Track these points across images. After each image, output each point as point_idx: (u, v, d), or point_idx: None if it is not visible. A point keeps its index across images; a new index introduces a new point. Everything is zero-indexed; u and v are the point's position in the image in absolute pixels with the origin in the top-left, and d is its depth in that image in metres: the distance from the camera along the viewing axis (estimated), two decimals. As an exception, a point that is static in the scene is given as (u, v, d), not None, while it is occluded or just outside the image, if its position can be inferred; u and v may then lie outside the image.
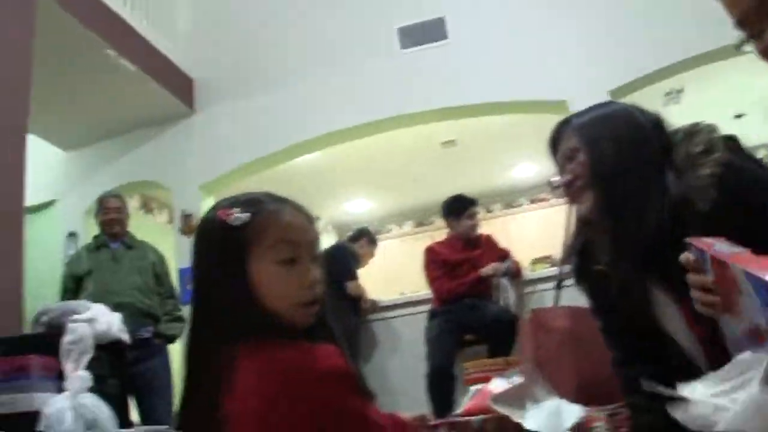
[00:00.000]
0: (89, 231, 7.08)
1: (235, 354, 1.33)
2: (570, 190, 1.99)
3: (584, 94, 4.60)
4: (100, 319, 3.52)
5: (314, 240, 1.48)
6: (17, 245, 4.27)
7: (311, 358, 1.32)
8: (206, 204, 6.74)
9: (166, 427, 1.42)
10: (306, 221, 1.49)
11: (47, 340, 3.37)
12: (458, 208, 5.60)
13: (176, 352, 4.96)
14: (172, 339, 4.91)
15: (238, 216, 1.41)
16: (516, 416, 2.38)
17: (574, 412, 2.32)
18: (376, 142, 7.33)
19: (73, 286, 4.69)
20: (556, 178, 2.02)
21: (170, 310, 4.97)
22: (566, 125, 2.04)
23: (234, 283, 1.39)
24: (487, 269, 5.38)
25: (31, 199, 4.76)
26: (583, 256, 2.09)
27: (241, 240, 1.40)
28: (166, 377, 4.74)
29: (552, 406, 2.38)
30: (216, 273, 1.41)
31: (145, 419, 4.48)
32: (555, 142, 2.06)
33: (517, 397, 2.45)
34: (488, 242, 5.71)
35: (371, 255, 6.44)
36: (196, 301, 1.45)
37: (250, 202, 1.45)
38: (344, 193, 9.93)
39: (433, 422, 1.90)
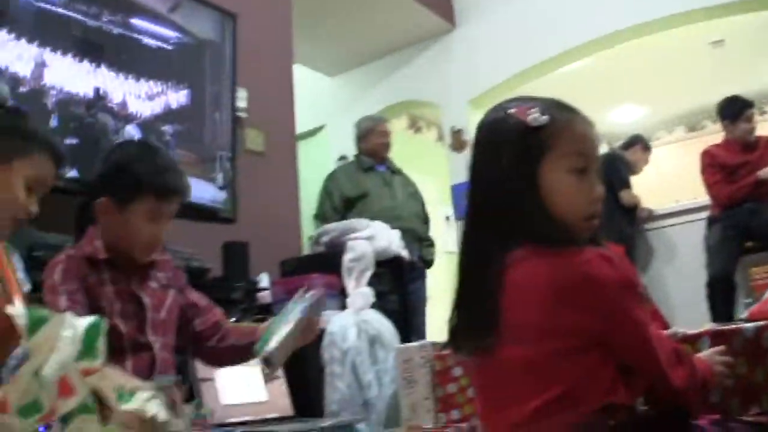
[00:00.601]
0: (359, 153, 7.35)
1: (514, 259, 1.31)
2: None
3: None
4: (380, 236, 3.60)
5: (598, 153, 1.40)
6: (292, 171, 4.51)
7: (597, 267, 1.26)
8: (475, 118, 6.66)
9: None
10: (595, 133, 1.39)
11: (328, 258, 3.53)
12: (734, 110, 5.18)
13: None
14: (430, 264, 4.98)
15: (537, 117, 1.33)
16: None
17: None
18: (641, 45, 6.89)
19: (343, 207, 4.79)
20: None
21: (428, 236, 5.04)
22: None
23: (525, 186, 1.32)
24: (766, 171, 4.96)
25: (301, 126, 4.97)
26: None
27: (537, 143, 1.32)
28: (425, 301, 4.83)
29: None
30: (506, 175, 1.34)
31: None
32: None
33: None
34: (767, 145, 5.25)
35: (645, 162, 6.12)
36: (476, 203, 1.41)
37: (546, 105, 1.36)
38: (610, 101, 9.48)
39: (693, 332, 1.73)
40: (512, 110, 1.36)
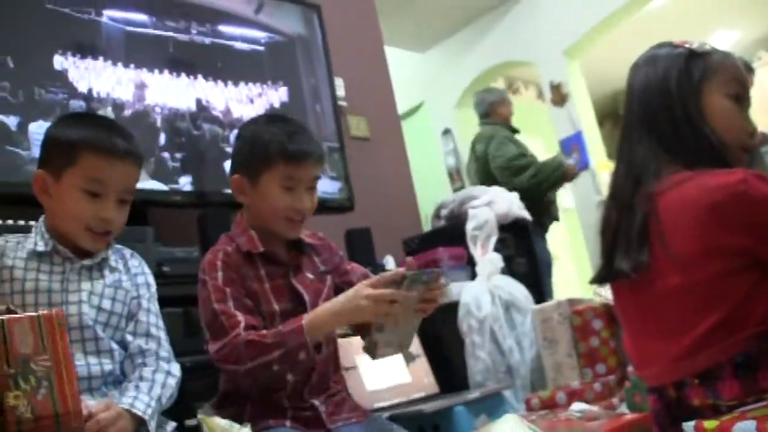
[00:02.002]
0: (462, 125, 7.30)
1: (669, 185, 1.38)
2: None
3: None
4: (500, 201, 3.55)
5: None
6: (401, 151, 4.52)
7: (754, 185, 1.30)
8: (572, 69, 6.55)
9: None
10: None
11: (451, 230, 3.50)
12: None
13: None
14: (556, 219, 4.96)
15: (703, 44, 1.47)
16: None
17: None
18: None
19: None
20: None
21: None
22: None
23: (691, 108, 1.43)
24: None
25: (401, 106, 4.96)
26: None
27: (701, 68, 1.45)
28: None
29: None
30: (672, 99, 1.44)
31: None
32: None
33: None
34: None
35: (750, 84, 5.83)
36: (634, 132, 1.49)
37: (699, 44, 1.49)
38: (702, 31, 9.08)
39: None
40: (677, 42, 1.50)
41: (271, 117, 2.04)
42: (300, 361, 1.59)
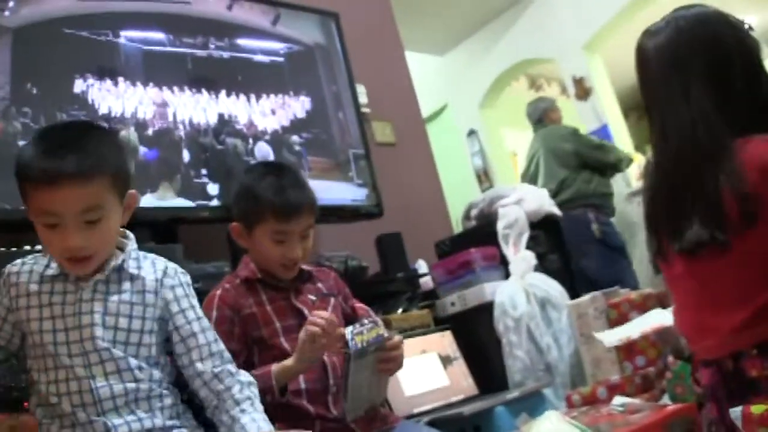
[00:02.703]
0: (486, 126, 7.28)
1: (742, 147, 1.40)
2: None
3: None
4: (529, 198, 3.52)
5: None
6: (427, 154, 4.51)
7: None
8: (593, 63, 6.51)
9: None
10: None
11: (482, 231, 3.48)
12: None
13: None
14: None
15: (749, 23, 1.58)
16: None
17: None
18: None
19: None
20: None
21: None
22: None
23: (756, 78, 1.50)
24: None
25: (425, 109, 4.95)
26: None
27: (755, 43, 1.54)
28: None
29: None
30: (736, 70, 1.50)
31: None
32: None
33: None
34: None
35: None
36: (705, 104, 1.49)
37: None
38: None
39: None
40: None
41: (267, 167, 2.05)
42: (266, 403, 1.61)
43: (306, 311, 1.87)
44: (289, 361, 1.73)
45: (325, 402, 1.81)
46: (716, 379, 1.43)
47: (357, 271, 3.02)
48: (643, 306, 2.69)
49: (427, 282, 3.37)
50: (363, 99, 3.92)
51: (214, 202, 2.83)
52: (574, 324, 2.92)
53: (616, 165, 5.05)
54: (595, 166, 4.95)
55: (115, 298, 1.48)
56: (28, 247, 2.15)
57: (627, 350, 2.69)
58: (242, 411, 1.48)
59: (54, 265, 1.47)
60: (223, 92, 2.99)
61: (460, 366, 2.90)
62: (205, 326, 1.58)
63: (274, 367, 1.73)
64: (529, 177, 5.21)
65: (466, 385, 2.86)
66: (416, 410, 2.58)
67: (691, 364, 1.66)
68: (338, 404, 1.81)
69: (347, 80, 3.54)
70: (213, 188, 2.84)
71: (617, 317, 2.74)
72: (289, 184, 1.89)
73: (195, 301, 1.61)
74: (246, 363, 1.76)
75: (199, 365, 1.53)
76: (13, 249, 2.12)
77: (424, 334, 2.91)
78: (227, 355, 1.57)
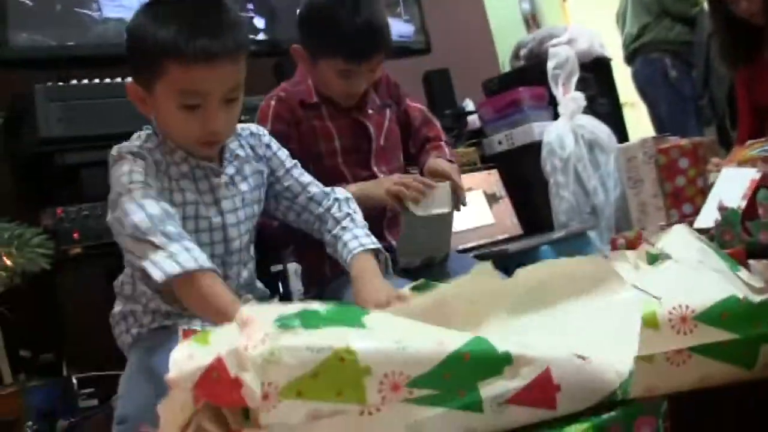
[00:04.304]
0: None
1: None
2: None
3: None
4: (580, 38, 3.41)
5: None
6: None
7: None
8: None
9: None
10: None
11: (531, 70, 3.40)
12: None
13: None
14: None
15: None
16: None
17: None
18: None
19: None
20: None
21: None
22: None
23: None
24: None
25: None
26: None
27: None
28: None
29: None
30: None
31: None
32: None
33: None
34: None
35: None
36: None
37: None
38: None
39: None
40: None
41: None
42: None
43: (370, 127, 1.84)
44: (353, 188, 1.70)
45: (381, 230, 1.80)
46: None
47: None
48: (694, 153, 2.65)
49: (474, 120, 3.34)
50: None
51: (261, 36, 2.77)
52: (622, 168, 2.89)
53: (695, 19, 4.86)
54: (675, 15, 4.77)
55: (243, 185, 1.48)
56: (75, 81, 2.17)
57: (674, 197, 2.68)
58: (343, 228, 1.50)
59: (179, 158, 1.39)
60: None
61: (506, 205, 2.92)
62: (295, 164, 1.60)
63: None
64: (620, 16, 5.07)
65: (510, 224, 2.89)
66: (461, 246, 2.59)
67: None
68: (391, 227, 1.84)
69: None
70: (259, 22, 2.78)
71: (666, 163, 2.71)
72: (363, 27, 1.69)
73: (282, 153, 1.60)
74: None
75: (301, 193, 1.56)
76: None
77: (470, 171, 2.90)
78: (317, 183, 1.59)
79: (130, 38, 1.34)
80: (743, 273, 1.04)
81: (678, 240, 1.11)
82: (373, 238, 1.48)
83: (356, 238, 1.47)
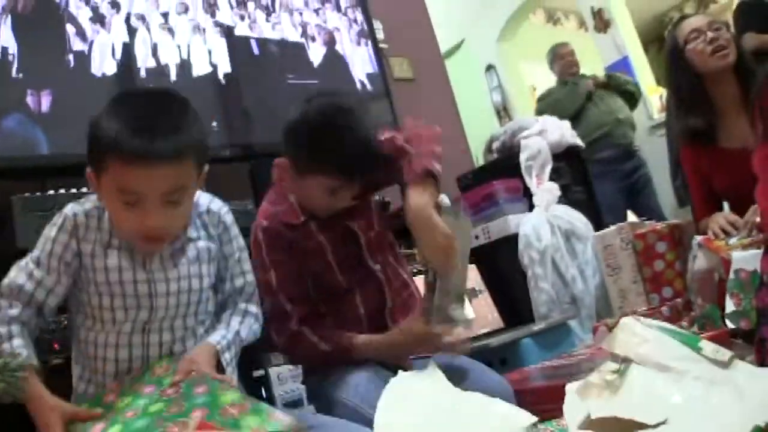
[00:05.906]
0: (505, 61, 7.18)
1: None
2: None
3: None
4: (551, 129, 3.47)
5: None
6: (446, 90, 4.47)
7: None
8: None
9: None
10: None
11: (504, 163, 3.44)
12: None
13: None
14: None
15: None
16: None
17: None
18: None
19: None
20: None
21: None
22: None
23: None
24: None
25: (443, 45, 4.88)
26: None
27: None
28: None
29: None
30: None
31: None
32: None
33: None
34: None
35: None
36: None
37: None
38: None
39: None
40: None
41: (331, 114, 1.68)
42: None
43: (355, 226, 1.82)
44: (377, 346, 1.74)
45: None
46: None
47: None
48: (671, 236, 2.67)
49: (449, 217, 3.34)
50: (380, 35, 3.86)
51: (235, 140, 2.80)
52: (600, 255, 2.90)
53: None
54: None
55: (183, 260, 1.46)
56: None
57: (654, 281, 2.68)
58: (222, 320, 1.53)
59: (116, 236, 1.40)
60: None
61: (485, 299, 2.90)
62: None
63: (357, 342, 1.73)
64: None
65: (491, 318, 2.87)
66: (442, 343, 2.58)
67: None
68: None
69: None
70: (234, 126, 2.82)
71: (644, 248, 2.72)
72: (355, 145, 1.66)
73: (240, 242, 1.60)
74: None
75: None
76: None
77: (448, 267, 2.88)
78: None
79: (89, 127, 1.33)
80: (706, 347, 1.04)
81: (632, 340, 1.10)
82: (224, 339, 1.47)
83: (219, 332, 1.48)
